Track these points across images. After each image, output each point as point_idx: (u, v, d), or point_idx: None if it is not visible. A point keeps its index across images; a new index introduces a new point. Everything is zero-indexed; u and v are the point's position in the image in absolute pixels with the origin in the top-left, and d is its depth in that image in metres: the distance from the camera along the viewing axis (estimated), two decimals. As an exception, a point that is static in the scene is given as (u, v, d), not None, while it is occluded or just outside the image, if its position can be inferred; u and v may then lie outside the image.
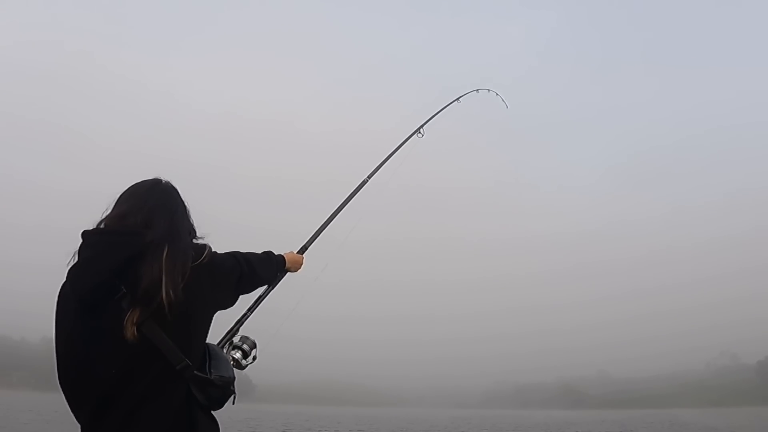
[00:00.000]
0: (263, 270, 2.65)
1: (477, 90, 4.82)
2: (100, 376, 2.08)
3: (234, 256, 2.47)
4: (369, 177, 3.63)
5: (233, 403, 2.33)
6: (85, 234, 2.19)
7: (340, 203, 3.45)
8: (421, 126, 4.06)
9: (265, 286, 2.80)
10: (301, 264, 2.99)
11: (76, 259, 2.16)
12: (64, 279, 2.18)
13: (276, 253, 2.80)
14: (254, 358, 2.60)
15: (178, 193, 2.39)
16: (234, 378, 2.30)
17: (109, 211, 2.28)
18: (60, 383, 2.16)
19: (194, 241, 2.36)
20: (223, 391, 2.25)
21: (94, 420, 2.11)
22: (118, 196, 2.32)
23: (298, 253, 3.05)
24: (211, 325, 2.34)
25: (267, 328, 2.82)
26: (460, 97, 4.55)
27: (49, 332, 2.18)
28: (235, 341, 2.61)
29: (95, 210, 2.29)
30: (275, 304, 2.92)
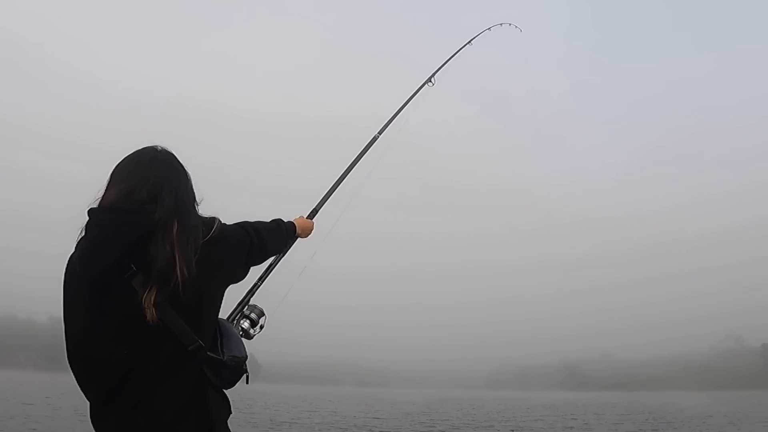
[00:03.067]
0: (273, 240, 2.57)
1: (489, 28, 4.60)
2: (111, 357, 2.01)
3: (243, 227, 2.38)
4: (380, 133, 3.51)
5: (246, 383, 2.28)
6: (93, 212, 2.09)
7: (350, 162, 3.31)
8: (433, 74, 3.94)
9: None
10: (312, 229, 2.90)
11: (84, 234, 2.07)
12: (72, 252, 2.10)
13: (285, 220, 2.71)
14: (261, 327, 2.54)
15: (176, 158, 2.27)
16: (246, 357, 2.24)
17: (106, 187, 2.16)
18: (69, 361, 2.10)
19: (197, 203, 2.25)
20: (236, 371, 2.20)
21: (104, 399, 2.05)
22: (114, 169, 2.20)
23: (307, 218, 2.96)
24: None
25: (272, 303, 2.72)
26: (473, 39, 4.37)
27: (57, 312, 2.11)
28: (243, 311, 2.55)
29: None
30: (275, 287, 2.81)
